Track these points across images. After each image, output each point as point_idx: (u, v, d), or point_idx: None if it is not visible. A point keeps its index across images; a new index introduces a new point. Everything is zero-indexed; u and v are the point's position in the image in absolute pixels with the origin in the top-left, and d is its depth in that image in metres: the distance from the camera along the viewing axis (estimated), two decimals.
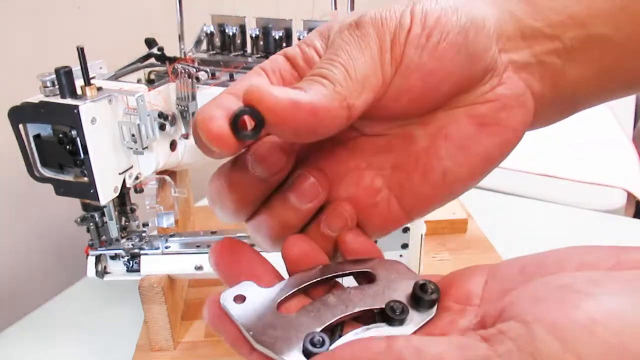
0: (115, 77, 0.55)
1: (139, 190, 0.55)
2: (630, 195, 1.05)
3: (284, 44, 0.54)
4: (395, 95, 0.24)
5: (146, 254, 0.56)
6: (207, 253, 0.56)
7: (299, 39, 0.53)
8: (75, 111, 0.44)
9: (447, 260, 0.72)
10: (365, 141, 0.27)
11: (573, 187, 1.00)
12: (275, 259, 0.26)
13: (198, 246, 0.57)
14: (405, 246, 0.53)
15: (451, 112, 0.25)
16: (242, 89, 0.22)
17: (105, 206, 0.52)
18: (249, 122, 0.21)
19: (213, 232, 0.59)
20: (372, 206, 0.26)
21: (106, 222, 0.54)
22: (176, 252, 0.57)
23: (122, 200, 0.55)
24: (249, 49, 0.57)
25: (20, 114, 0.46)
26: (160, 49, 0.59)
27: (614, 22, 0.25)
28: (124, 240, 0.55)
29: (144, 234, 0.57)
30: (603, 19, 0.25)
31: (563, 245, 0.23)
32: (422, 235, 0.56)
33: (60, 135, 0.46)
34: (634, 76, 0.27)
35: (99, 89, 0.48)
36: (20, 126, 0.47)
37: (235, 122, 0.21)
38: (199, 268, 0.56)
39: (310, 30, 0.52)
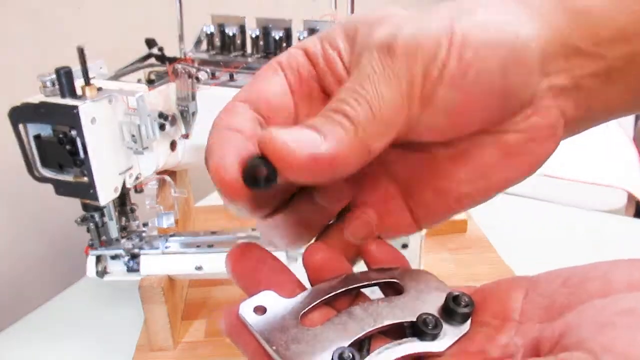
0: (116, 77, 0.55)
1: (139, 190, 0.55)
2: (630, 195, 1.05)
3: (284, 44, 0.54)
4: (418, 131, 0.22)
5: (146, 254, 0.56)
6: (207, 253, 0.56)
7: (299, 39, 0.53)
8: (75, 111, 0.44)
9: (447, 260, 0.72)
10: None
11: (573, 187, 1.00)
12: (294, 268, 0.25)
13: (198, 246, 0.57)
14: (405, 246, 0.53)
15: (477, 137, 0.23)
16: (257, 97, 0.22)
17: (105, 206, 0.52)
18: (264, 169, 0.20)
19: (213, 232, 0.59)
20: (386, 213, 0.26)
21: (106, 222, 0.54)
22: (176, 252, 0.57)
23: (122, 200, 0.55)
24: (249, 49, 0.57)
25: (20, 114, 0.46)
26: (160, 49, 0.59)
27: None
28: (124, 240, 0.55)
29: (144, 234, 0.57)
30: None
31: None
32: (422, 236, 0.56)
33: (60, 136, 0.46)
34: None
35: (99, 89, 0.48)
36: (21, 126, 0.47)
37: (248, 174, 0.20)
38: (199, 268, 0.56)
39: (310, 30, 0.52)
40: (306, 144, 0.19)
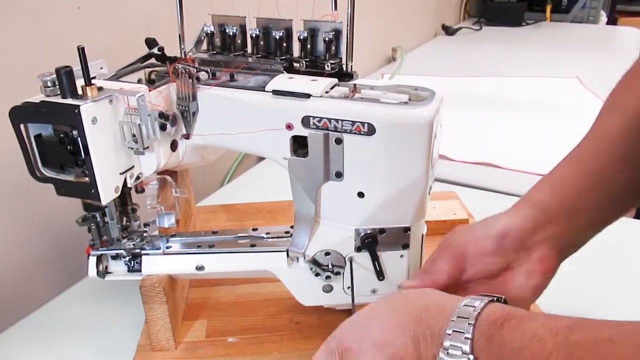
0: (116, 77, 0.55)
1: (140, 190, 0.55)
2: None
3: (285, 44, 0.54)
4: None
5: (147, 254, 0.56)
6: (208, 253, 0.56)
7: (299, 39, 0.53)
8: (76, 111, 0.44)
9: None
10: None
11: None
12: None
13: (199, 246, 0.57)
14: (406, 246, 0.53)
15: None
16: None
17: (106, 206, 0.52)
18: None
19: (214, 232, 0.59)
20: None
21: (107, 222, 0.54)
22: (177, 252, 0.57)
23: (123, 200, 0.55)
24: (249, 49, 0.57)
25: (21, 114, 0.46)
26: (161, 49, 0.59)
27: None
28: (125, 240, 0.55)
29: (145, 234, 0.57)
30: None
31: None
32: (423, 236, 0.56)
33: (61, 135, 0.46)
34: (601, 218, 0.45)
35: (100, 89, 0.48)
36: (21, 126, 0.47)
37: None
38: (200, 268, 0.56)
39: (310, 30, 0.52)
40: None
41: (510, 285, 0.45)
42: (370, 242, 0.52)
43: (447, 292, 0.43)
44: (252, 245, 0.57)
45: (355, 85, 0.52)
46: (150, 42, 0.59)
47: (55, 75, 0.45)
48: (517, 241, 0.45)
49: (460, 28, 2.27)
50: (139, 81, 0.55)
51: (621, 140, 0.44)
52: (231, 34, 0.56)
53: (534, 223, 0.45)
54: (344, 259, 0.53)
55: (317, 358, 0.40)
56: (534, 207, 0.45)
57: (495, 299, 0.37)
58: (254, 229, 0.59)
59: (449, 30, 2.23)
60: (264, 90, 0.51)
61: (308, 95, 0.48)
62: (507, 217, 0.46)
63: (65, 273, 0.76)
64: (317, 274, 0.54)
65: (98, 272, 0.55)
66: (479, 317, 0.34)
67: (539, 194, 0.46)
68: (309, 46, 0.53)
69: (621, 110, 0.45)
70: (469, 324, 0.34)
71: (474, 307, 0.35)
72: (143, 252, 0.56)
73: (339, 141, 0.48)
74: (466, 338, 0.33)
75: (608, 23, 2.68)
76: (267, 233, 0.58)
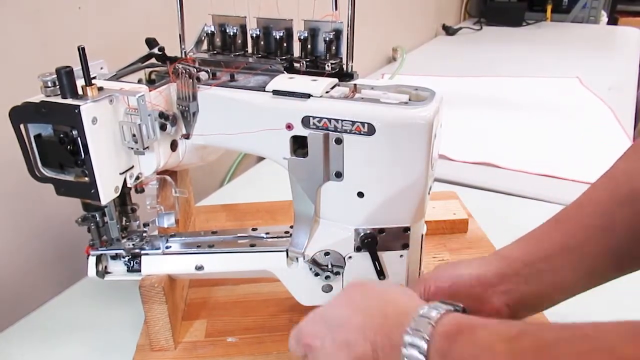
0: (116, 77, 0.55)
1: (139, 190, 0.55)
2: None
3: (285, 44, 0.54)
4: None
5: (147, 254, 0.56)
6: (207, 253, 0.56)
7: (300, 39, 0.53)
8: (77, 111, 0.44)
9: (448, 261, 0.72)
10: None
11: (573, 188, 1.00)
12: None
13: (199, 246, 0.57)
14: (405, 246, 0.53)
15: None
16: None
17: (106, 206, 0.52)
18: None
19: (214, 232, 0.59)
20: None
21: (107, 222, 0.54)
22: (177, 252, 0.57)
23: (123, 200, 0.55)
24: (249, 49, 0.57)
25: (21, 114, 0.46)
26: (161, 49, 0.59)
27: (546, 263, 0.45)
28: (124, 240, 0.55)
29: (144, 234, 0.57)
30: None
31: None
32: (422, 235, 0.56)
33: (61, 135, 0.46)
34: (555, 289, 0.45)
35: (100, 89, 0.48)
36: (21, 126, 0.47)
37: None
38: (200, 268, 0.56)
39: (311, 30, 0.52)
40: None
41: None
42: (369, 242, 0.52)
43: None
44: (252, 245, 0.57)
45: (355, 85, 0.52)
46: (151, 42, 0.59)
47: (55, 75, 0.45)
48: (475, 290, 0.46)
49: (460, 28, 2.27)
50: (139, 81, 0.55)
51: (601, 208, 0.44)
52: (231, 34, 0.56)
53: (496, 276, 0.46)
54: (344, 259, 0.54)
55: (290, 346, 0.44)
56: (501, 261, 0.47)
57: (453, 308, 0.38)
58: (254, 229, 0.59)
59: (449, 31, 2.23)
60: (264, 90, 0.51)
61: (308, 96, 0.49)
62: (477, 266, 0.47)
63: (65, 273, 0.76)
64: (316, 274, 0.54)
65: (97, 272, 0.55)
66: (434, 331, 0.35)
67: (508, 249, 0.48)
68: (309, 46, 0.53)
69: (610, 179, 0.47)
70: (424, 338, 0.34)
71: (430, 318, 0.36)
72: (142, 252, 0.56)
73: (338, 141, 0.48)
74: (421, 353, 0.34)
75: (609, 23, 2.68)
76: (267, 233, 0.58)
